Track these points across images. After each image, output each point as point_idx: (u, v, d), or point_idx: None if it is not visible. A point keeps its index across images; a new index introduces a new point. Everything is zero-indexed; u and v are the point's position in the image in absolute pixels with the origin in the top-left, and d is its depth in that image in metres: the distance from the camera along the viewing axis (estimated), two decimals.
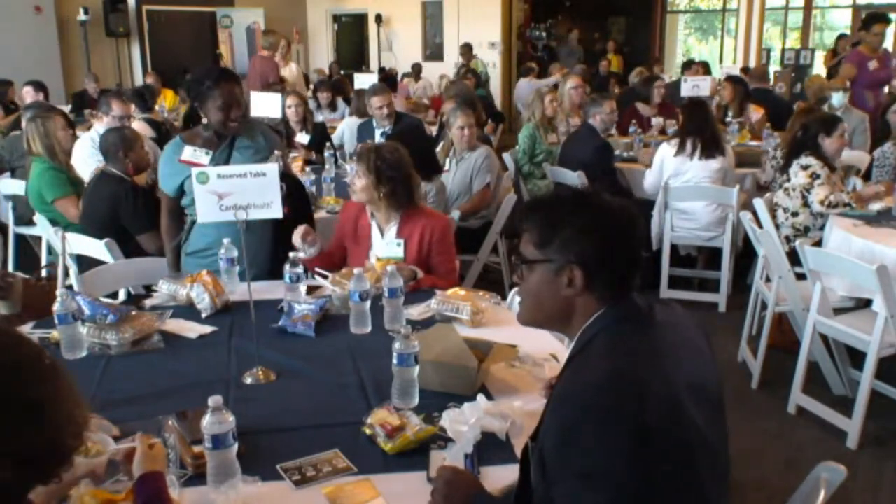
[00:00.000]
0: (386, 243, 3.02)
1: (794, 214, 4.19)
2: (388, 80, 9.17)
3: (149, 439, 1.58)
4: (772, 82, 8.75)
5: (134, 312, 2.52)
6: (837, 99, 6.22)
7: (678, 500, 1.32)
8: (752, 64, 11.84)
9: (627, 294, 1.48)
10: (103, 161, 4.09)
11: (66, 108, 8.09)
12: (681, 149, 4.83)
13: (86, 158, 4.87)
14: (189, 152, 3.05)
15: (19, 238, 5.32)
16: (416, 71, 11.85)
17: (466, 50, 12.19)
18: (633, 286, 1.49)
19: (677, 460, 1.30)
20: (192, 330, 2.53)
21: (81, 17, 10.70)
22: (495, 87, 12.44)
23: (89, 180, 4.19)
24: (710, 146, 4.76)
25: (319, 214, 4.21)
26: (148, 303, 2.79)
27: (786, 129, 5.19)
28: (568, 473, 1.31)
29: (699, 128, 4.80)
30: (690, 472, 1.33)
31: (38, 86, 7.38)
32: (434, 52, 13.38)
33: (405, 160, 3.03)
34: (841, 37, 11.52)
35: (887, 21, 7.04)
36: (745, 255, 4.87)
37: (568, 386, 1.39)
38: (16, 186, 5.03)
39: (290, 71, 9.36)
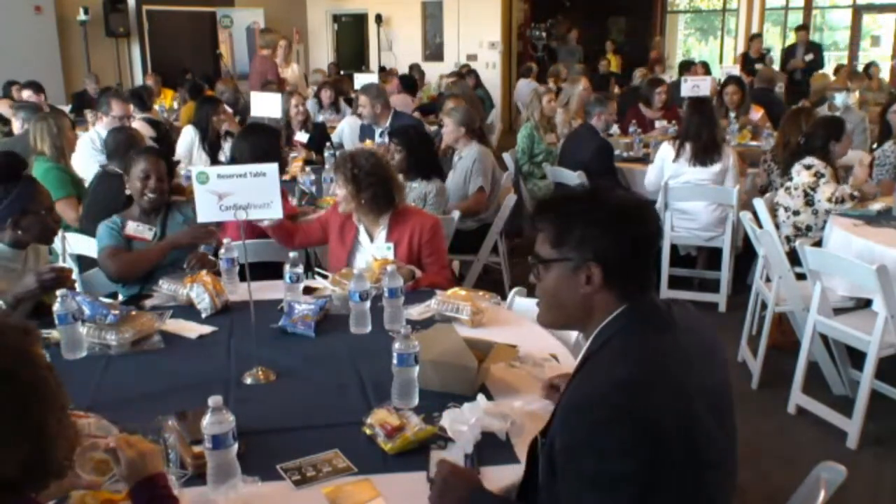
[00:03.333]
0: (376, 247, 3.03)
1: (796, 213, 4.19)
2: (405, 80, 9.09)
3: (125, 442, 1.48)
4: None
5: (134, 312, 2.52)
6: (840, 99, 6.21)
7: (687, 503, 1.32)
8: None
9: (646, 290, 1.47)
10: (103, 161, 4.09)
11: (66, 108, 8.09)
12: (679, 153, 4.82)
13: (86, 158, 4.87)
14: (132, 227, 3.11)
15: None
16: (419, 75, 11.47)
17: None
18: (652, 282, 1.49)
19: (688, 466, 1.31)
20: (192, 330, 2.53)
21: (81, 17, 10.69)
22: (495, 86, 12.42)
23: (91, 180, 4.20)
24: (707, 151, 4.72)
25: (319, 214, 4.21)
26: (148, 303, 2.79)
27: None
28: (578, 475, 1.31)
29: (697, 133, 4.77)
30: (700, 477, 1.33)
31: (37, 87, 7.36)
32: (434, 52, 13.37)
33: (382, 163, 3.06)
34: (755, 37, 11.34)
35: None
36: (745, 255, 4.87)
37: (583, 388, 1.39)
38: None
39: (291, 71, 9.36)
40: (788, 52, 11.26)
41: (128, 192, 3.20)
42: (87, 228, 3.73)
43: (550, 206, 1.55)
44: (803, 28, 11.50)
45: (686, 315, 1.52)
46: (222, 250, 2.92)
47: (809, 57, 10.57)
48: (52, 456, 1.22)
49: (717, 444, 1.37)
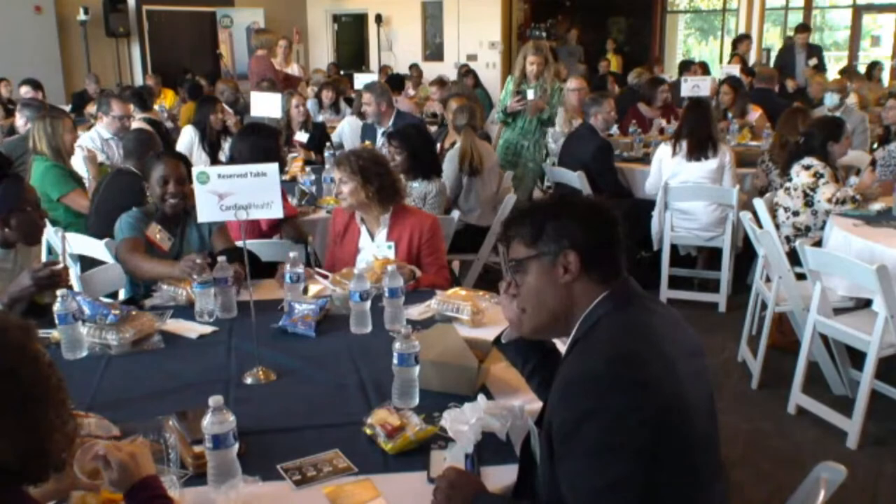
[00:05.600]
0: (377, 246, 3.03)
1: (795, 214, 4.19)
2: (393, 79, 9.07)
3: (113, 446, 1.46)
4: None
5: (134, 312, 2.52)
6: (830, 99, 6.21)
7: (680, 473, 1.34)
8: (752, 64, 11.81)
9: (622, 275, 1.53)
10: (103, 160, 4.10)
11: (66, 108, 8.09)
12: (675, 150, 4.86)
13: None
14: (155, 230, 3.05)
15: None
16: (418, 74, 11.28)
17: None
18: (624, 265, 1.54)
19: (684, 444, 1.34)
20: (192, 330, 2.53)
21: (81, 17, 10.70)
22: (495, 86, 12.41)
23: (102, 178, 4.21)
24: (702, 147, 4.76)
25: (319, 214, 4.22)
26: (148, 303, 2.79)
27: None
28: (578, 450, 1.33)
29: (693, 129, 4.81)
30: (694, 459, 1.37)
31: (36, 84, 7.34)
32: (434, 52, 13.37)
33: (383, 157, 3.11)
34: (743, 38, 10.95)
35: None
36: (745, 255, 4.87)
37: (578, 365, 1.42)
38: None
39: (291, 72, 9.36)
40: (785, 56, 10.32)
41: (149, 197, 3.16)
42: (96, 226, 3.73)
43: (520, 213, 1.62)
44: (804, 29, 10.42)
45: (655, 299, 1.60)
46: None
47: (813, 61, 9.76)
48: (51, 449, 1.23)
49: (703, 417, 1.42)
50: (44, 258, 4.69)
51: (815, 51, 10.21)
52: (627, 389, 1.32)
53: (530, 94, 5.71)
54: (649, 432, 1.30)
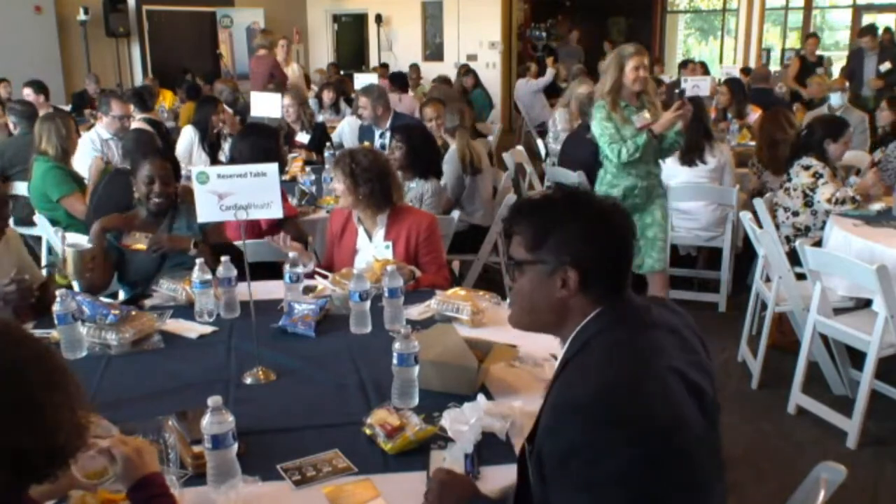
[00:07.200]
0: (374, 246, 3.04)
1: (795, 214, 4.19)
2: (396, 77, 9.01)
3: (120, 440, 1.48)
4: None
5: (134, 312, 2.52)
6: (836, 99, 6.20)
7: (676, 491, 1.31)
8: (753, 64, 11.81)
9: (622, 291, 1.45)
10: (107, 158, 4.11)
11: (67, 108, 8.08)
12: None
13: (86, 158, 4.88)
14: (132, 237, 3.06)
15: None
16: (416, 75, 11.21)
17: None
18: (627, 284, 1.46)
19: (680, 468, 1.30)
20: (192, 330, 2.53)
21: (81, 17, 10.70)
22: (495, 86, 12.42)
23: (101, 178, 4.21)
24: (694, 152, 4.74)
25: (319, 214, 4.22)
26: (148, 303, 2.79)
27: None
28: (569, 483, 1.30)
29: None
30: (692, 478, 1.33)
31: (39, 87, 7.32)
32: (434, 52, 13.37)
33: (381, 161, 3.09)
34: (811, 36, 10.51)
35: None
36: (745, 255, 4.87)
37: (569, 392, 1.36)
38: (17, 187, 5.02)
39: (291, 71, 9.36)
40: (854, 62, 9.08)
41: (136, 195, 3.18)
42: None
43: (526, 209, 1.52)
44: (870, 31, 8.84)
45: (665, 313, 1.50)
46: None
47: (886, 66, 8.47)
48: (66, 443, 1.23)
49: (706, 442, 1.37)
50: (44, 258, 4.72)
51: (889, 54, 8.73)
52: (616, 422, 1.26)
53: (643, 116, 3.85)
54: (640, 465, 1.25)
